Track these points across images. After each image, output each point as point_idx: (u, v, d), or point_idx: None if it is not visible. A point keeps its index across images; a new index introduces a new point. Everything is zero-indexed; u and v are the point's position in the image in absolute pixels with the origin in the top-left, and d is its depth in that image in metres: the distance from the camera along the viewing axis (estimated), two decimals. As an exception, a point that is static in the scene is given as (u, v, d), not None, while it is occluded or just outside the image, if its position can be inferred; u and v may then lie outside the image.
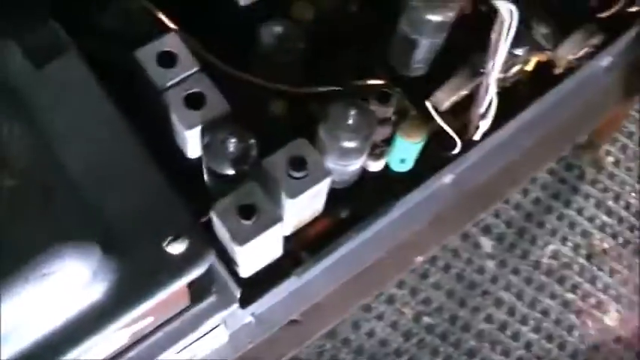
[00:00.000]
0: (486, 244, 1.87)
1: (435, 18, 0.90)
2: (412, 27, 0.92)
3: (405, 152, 0.93)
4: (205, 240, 0.74)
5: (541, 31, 1.01)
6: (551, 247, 1.91)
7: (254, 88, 0.91)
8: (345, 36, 0.99)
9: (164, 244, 0.71)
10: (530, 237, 1.90)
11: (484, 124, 0.97)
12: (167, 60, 0.85)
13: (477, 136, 0.98)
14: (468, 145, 0.98)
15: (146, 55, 0.85)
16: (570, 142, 1.21)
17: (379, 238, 1.01)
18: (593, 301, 1.87)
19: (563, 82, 1.04)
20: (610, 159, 2.01)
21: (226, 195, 0.79)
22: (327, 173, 0.83)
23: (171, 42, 0.86)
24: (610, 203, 1.98)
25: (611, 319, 1.87)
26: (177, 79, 0.85)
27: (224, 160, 0.81)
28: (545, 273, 1.88)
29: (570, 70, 1.05)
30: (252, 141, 0.82)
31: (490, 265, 1.86)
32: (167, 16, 0.90)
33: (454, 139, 0.96)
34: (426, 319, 1.80)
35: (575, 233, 1.93)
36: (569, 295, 1.87)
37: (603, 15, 1.07)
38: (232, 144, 0.80)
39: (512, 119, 1.02)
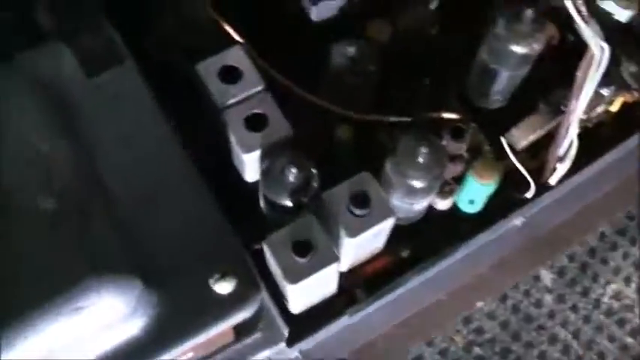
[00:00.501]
0: (546, 277, 1.79)
1: (519, 50, 0.84)
2: (493, 57, 0.86)
3: (475, 193, 0.86)
4: (255, 280, 0.69)
5: (630, 69, 0.94)
6: (613, 287, 1.82)
7: (321, 110, 0.86)
8: (422, 60, 0.93)
9: (211, 282, 0.66)
10: (593, 273, 1.82)
11: (562, 168, 0.91)
12: (230, 75, 0.80)
13: (553, 180, 0.91)
14: (543, 188, 0.92)
15: (208, 68, 0.80)
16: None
17: (440, 279, 0.95)
18: (653, 348, 1.79)
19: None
20: (683, 198, 1.92)
21: (282, 225, 0.74)
22: (390, 213, 0.77)
23: (236, 56, 0.81)
24: (682, 244, 1.89)
25: (670, 368, 1.79)
26: (239, 97, 0.79)
27: (282, 190, 0.76)
28: (604, 313, 1.80)
29: (658, 113, 0.97)
30: (314, 171, 0.77)
31: (548, 299, 1.78)
32: (234, 28, 0.85)
33: (528, 181, 0.90)
34: (477, 350, 1.72)
35: (640, 274, 1.85)
36: (629, 340, 1.78)
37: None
38: (292, 174, 0.75)
39: (593, 164, 0.94)
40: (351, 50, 0.83)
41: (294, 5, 0.88)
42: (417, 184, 0.78)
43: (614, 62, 0.93)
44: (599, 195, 1.04)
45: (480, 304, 0.99)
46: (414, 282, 0.91)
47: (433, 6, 0.92)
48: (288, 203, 0.76)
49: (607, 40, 0.94)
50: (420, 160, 0.76)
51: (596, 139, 0.95)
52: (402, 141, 0.78)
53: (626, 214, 1.87)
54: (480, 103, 0.93)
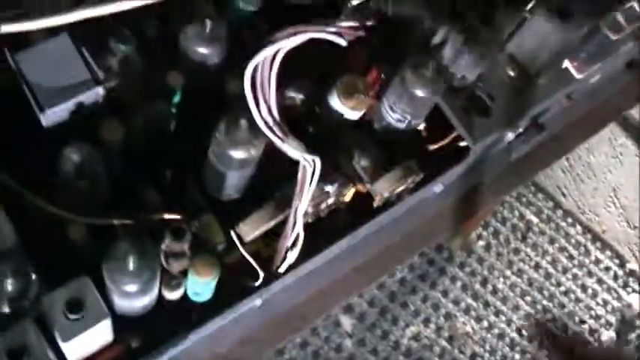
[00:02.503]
0: (346, 322, 1.88)
1: (238, 155, 0.90)
2: (217, 159, 0.92)
3: (198, 287, 0.92)
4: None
5: (362, 163, 1.01)
6: (412, 329, 1.92)
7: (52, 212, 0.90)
8: (161, 156, 0.98)
9: None
10: (392, 317, 1.91)
11: (291, 257, 0.97)
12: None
13: (282, 269, 0.98)
14: (272, 276, 0.98)
15: None
16: (399, 263, 1.22)
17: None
18: (451, 384, 1.89)
19: (381, 215, 1.05)
20: (481, 243, 2.03)
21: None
22: (105, 315, 0.82)
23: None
24: (477, 287, 2.00)
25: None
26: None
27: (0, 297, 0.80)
28: (404, 354, 1.89)
29: (388, 203, 1.05)
30: (34, 277, 0.82)
31: (348, 344, 1.86)
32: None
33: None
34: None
35: (439, 315, 1.95)
36: (425, 379, 1.88)
37: (434, 147, 1.08)
38: (9, 283, 0.79)
39: (322, 252, 1.01)
40: (76, 156, 0.87)
41: (27, 111, 0.91)
42: (130, 288, 0.83)
43: (347, 156, 1.01)
44: (340, 275, 1.11)
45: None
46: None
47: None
48: (7, 310, 0.80)
49: (340, 136, 1.02)
50: (131, 266, 0.82)
51: (329, 227, 1.03)
52: (113, 247, 0.83)
53: (427, 259, 1.98)
54: (216, 196, 0.98)
